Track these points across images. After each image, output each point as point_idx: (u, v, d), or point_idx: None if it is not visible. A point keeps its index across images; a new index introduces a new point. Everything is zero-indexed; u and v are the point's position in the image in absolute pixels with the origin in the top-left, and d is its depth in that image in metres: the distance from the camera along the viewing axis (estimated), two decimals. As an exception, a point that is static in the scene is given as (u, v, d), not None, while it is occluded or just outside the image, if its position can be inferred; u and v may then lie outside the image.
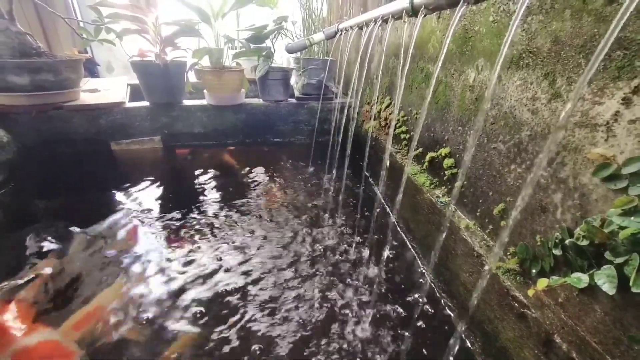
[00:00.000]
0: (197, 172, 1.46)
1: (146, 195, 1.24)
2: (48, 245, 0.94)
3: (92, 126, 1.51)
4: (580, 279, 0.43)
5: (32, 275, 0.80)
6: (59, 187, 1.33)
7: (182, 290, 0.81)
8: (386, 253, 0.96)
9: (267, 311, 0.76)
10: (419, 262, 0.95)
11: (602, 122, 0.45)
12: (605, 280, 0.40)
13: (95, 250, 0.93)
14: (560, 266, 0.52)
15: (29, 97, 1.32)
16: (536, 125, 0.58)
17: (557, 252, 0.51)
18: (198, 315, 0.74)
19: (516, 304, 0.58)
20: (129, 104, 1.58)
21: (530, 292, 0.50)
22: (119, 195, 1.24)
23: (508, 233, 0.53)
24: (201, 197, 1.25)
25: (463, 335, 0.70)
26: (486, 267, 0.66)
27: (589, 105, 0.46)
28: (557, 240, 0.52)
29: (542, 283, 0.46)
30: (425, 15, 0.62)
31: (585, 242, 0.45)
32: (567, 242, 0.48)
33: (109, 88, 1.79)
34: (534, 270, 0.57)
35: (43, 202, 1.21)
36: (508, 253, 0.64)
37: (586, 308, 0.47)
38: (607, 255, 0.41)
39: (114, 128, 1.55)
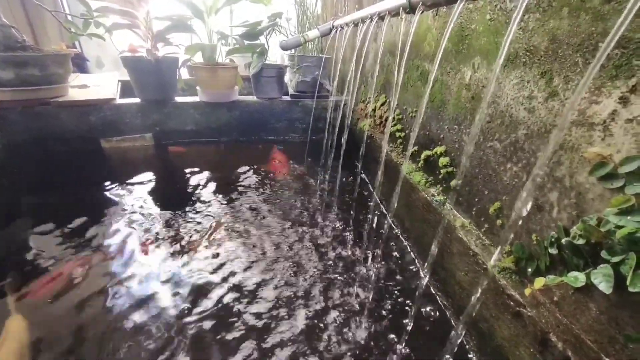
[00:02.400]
0: (189, 170, 1.44)
1: (136, 194, 1.22)
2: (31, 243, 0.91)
3: (81, 123, 1.47)
4: (577, 278, 0.43)
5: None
6: (47, 185, 1.29)
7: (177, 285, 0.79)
8: (381, 252, 0.96)
9: (262, 299, 0.75)
10: (414, 260, 0.95)
11: (599, 121, 0.45)
12: (601, 280, 0.40)
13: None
14: (556, 265, 0.52)
15: (14, 92, 1.28)
16: (532, 124, 0.58)
17: (553, 251, 0.51)
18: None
19: (512, 303, 0.58)
20: (119, 101, 1.55)
21: (527, 291, 0.50)
22: (108, 194, 1.21)
23: (509, 233, 0.53)
24: (193, 195, 1.23)
25: (458, 334, 0.70)
26: (482, 266, 0.66)
27: (586, 104, 0.46)
28: (553, 239, 0.52)
29: (539, 282, 0.46)
30: (422, 12, 0.62)
31: (581, 241, 0.45)
32: (563, 241, 0.48)
33: (98, 84, 1.74)
34: (529, 269, 0.57)
35: (30, 201, 1.17)
36: (504, 252, 0.64)
37: (581, 307, 0.47)
38: (604, 254, 0.41)
39: (104, 125, 1.52)
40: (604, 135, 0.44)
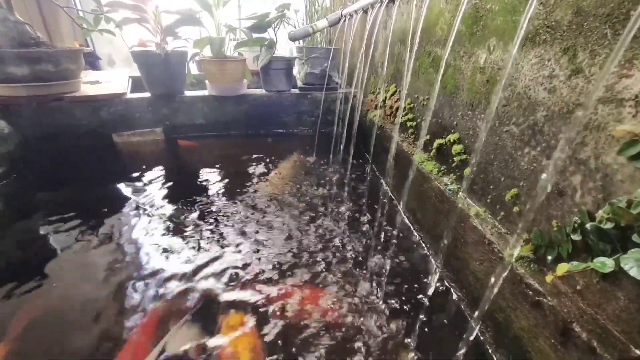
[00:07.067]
0: (199, 164, 1.45)
1: (149, 187, 1.23)
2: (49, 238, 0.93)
3: (93, 118, 1.50)
4: (604, 263, 0.41)
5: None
6: (61, 179, 1.32)
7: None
8: (393, 243, 0.94)
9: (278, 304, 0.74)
10: (426, 251, 0.93)
11: (630, 96, 0.41)
12: (633, 265, 0.37)
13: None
14: (578, 252, 0.50)
15: (29, 88, 1.31)
16: (553, 105, 0.55)
17: (576, 237, 0.48)
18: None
19: (530, 292, 0.55)
20: (130, 95, 1.57)
21: (548, 278, 0.47)
22: (122, 188, 1.22)
23: (527, 220, 0.50)
24: (204, 188, 1.23)
25: (473, 325, 0.68)
26: (498, 255, 0.64)
27: (615, 78, 0.43)
28: (576, 225, 0.49)
29: (562, 268, 0.43)
30: (435, -10, 0.59)
31: (609, 225, 0.42)
32: (587, 226, 0.46)
33: (110, 80, 1.77)
34: (549, 257, 0.54)
35: (45, 195, 1.20)
36: (521, 240, 0.61)
37: (608, 295, 0.45)
38: (635, 238, 0.39)
39: (116, 120, 1.54)
40: (635, 112, 0.41)
